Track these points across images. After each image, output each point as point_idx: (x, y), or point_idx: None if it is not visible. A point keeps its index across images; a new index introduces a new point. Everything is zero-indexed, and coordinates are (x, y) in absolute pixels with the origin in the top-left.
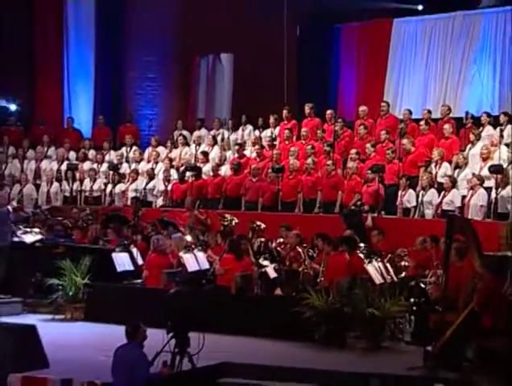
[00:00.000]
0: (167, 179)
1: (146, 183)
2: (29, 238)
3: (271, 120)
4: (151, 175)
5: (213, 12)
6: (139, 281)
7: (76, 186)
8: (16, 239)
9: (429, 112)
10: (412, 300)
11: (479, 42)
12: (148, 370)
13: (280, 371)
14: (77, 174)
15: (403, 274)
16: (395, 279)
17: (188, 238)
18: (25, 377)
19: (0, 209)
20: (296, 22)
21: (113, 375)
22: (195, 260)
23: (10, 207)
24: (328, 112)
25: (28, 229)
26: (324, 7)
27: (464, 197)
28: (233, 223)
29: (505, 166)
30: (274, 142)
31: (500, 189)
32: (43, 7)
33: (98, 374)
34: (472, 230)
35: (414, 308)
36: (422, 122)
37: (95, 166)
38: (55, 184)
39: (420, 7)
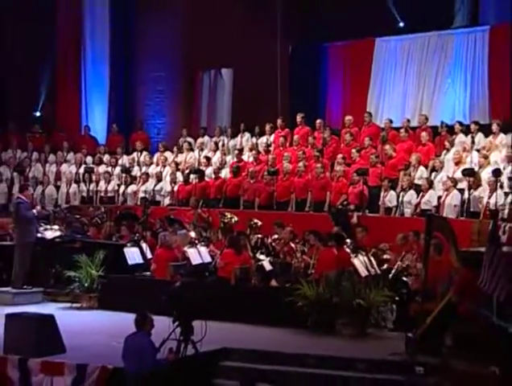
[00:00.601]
0: (173, 181)
1: (155, 185)
2: (49, 234)
3: (267, 128)
4: (159, 177)
5: (215, 32)
6: (148, 273)
7: (92, 187)
8: (38, 235)
9: (408, 121)
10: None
11: (452, 58)
12: (155, 356)
13: (275, 356)
14: (93, 177)
15: (385, 266)
16: (378, 271)
17: (192, 234)
18: (44, 362)
19: (29, 211)
20: (288, 42)
21: (123, 361)
22: (198, 254)
23: (35, 211)
24: (318, 121)
25: (48, 226)
26: (313, 28)
27: (439, 197)
28: (233, 221)
29: (476, 169)
30: (270, 148)
31: (472, 190)
32: (65, 27)
33: (110, 359)
34: (449, 228)
35: (397, 298)
36: (401, 130)
37: (109, 169)
38: (74, 185)
39: (401, 24)
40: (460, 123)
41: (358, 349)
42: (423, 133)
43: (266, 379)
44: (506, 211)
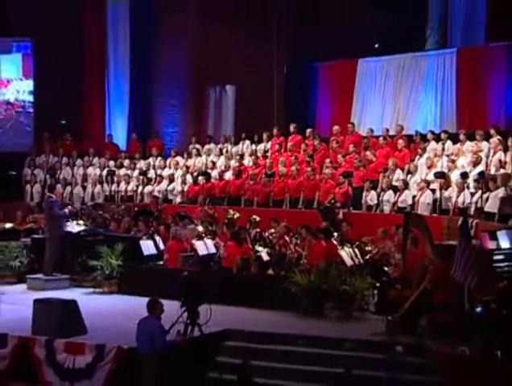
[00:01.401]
0: (183, 182)
1: (168, 185)
2: (76, 228)
3: (264, 136)
4: (172, 179)
5: (220, 54)
6: (161, 262)
7: (113, 187)
8: (66, 229)
9: (386, 130)
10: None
11: (424, 76)
12: (165, 338)
13: (270, 336)
14: (115, 178)
15: (368, 256)
16: (362, 261)
17: (200, 228)
18: (67, 342)
19: (60, 209)
20: (283, 62)
21: (137, 342)
22: (204, 246)
23: (67, 210)
24: (308, 130)
25: (75, 222)
26: (304, 50)
27: (414, 197)
28: (235, 217)
29: (446, 172)
30: (267, 154)
31: (442, 190)
32: (91, 49)
33: (127, 340)
34: (424, 224)
35: (378, 285)
36: (380, 138)
37: (129, 172)
38: (98, 186)
39: (377, 45)
40: (432, 132)
41: (344, 330)
42: (400, 141)
43: (262, 358)
44: (472, 209)
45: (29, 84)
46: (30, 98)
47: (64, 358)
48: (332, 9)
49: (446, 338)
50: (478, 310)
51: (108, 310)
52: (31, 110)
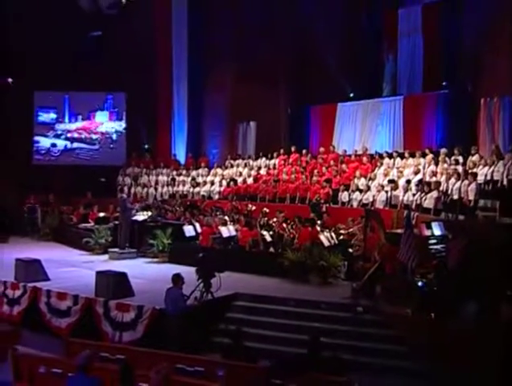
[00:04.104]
0: (220, 185)
1: (210, 187)
2: (141, 217)
3: (274, 155)
4: (213, 183)
5: (246, 100)
6: (197, 241)
7: (175, 189)
8: (134, 218)
9: (355, 151)
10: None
11: (382, 114)
12: (185, 302)
13: (267, 298)
14: (176, 183)
15: (341, 237)
16: (336, 242)
17: (226, 218)
18: (118, 303)
19: (129, 204)
20: (288, 106)
21: (165, 305)
22: (227, 231)
23: (137, 205)
24: (304, 151)
25: (141, 212)
26: (302, 97)
27: (374, 196)
28: (252, 209)
29: (395, 179)
30: (275, 166)
31: (393, 191)
32: (162, 97)
33: (162, 302)
34: (379, 217)
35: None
36: (352, 156)
37: (185, 178)
38: (165, 188)
39: (351, 94)
40: (386, 152)
41: (322, 294)
42: (364, 158)
43: (261, 315)
44: (414, 205)
45: (120, 124)
46: (122, 130)
47: (115, 314)
48: (319, 69)
49: (395, 302)
50: (417, 282)
51: (157, 274)
52: (124, 139)
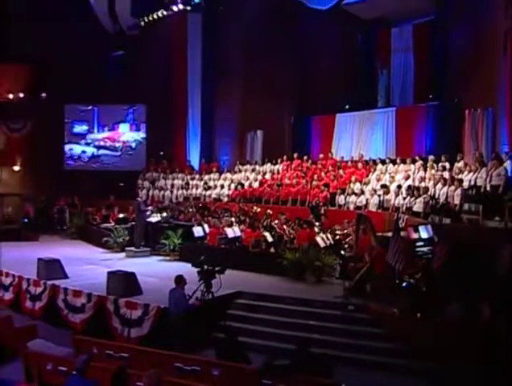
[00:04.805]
0: (229, 189)
1: (220, 190)
2: (154, 219)
3: (278, 161)
4: (223, 186)
5: (254, 111)
6: (206, 241)
7: (188, 192)
8: (148, 219)
9: (352, 157)
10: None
11: (376, 125)
12: (187, 302)
13: (266, 296)
14: (190, 186)
15: (337, 237)
16: (332, 243)
17: (232, 219)
18: (127, 301)
19: (143, 207)
20: (291, 116)
21: (168, 305)
22: (232, 231)
23: (150, 207)
24: (305, 157)
25: (154, 214)
26: (304, 108)
27: (367, 199)
28: (257, 211)
29: (387, 184)
30: (279, 172)
31: (385, 195)
32: (177, 108)
33: (167, 301)
34: (369, 221)
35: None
36: (349, 162)
37: (198, 182)
38: (180, 191)
39: (347, 106)
40: (380, 158)
41: (317, 292)
42: (359, 164)
43: (260, 312)
44: (404, 208)
45: (138, 134)
46: (140, 139)
47: (124, 311)
48: (320, 84)
49: (383, 301)
50: (404, 283)
51: (168, 272)
52: (143, 147)
